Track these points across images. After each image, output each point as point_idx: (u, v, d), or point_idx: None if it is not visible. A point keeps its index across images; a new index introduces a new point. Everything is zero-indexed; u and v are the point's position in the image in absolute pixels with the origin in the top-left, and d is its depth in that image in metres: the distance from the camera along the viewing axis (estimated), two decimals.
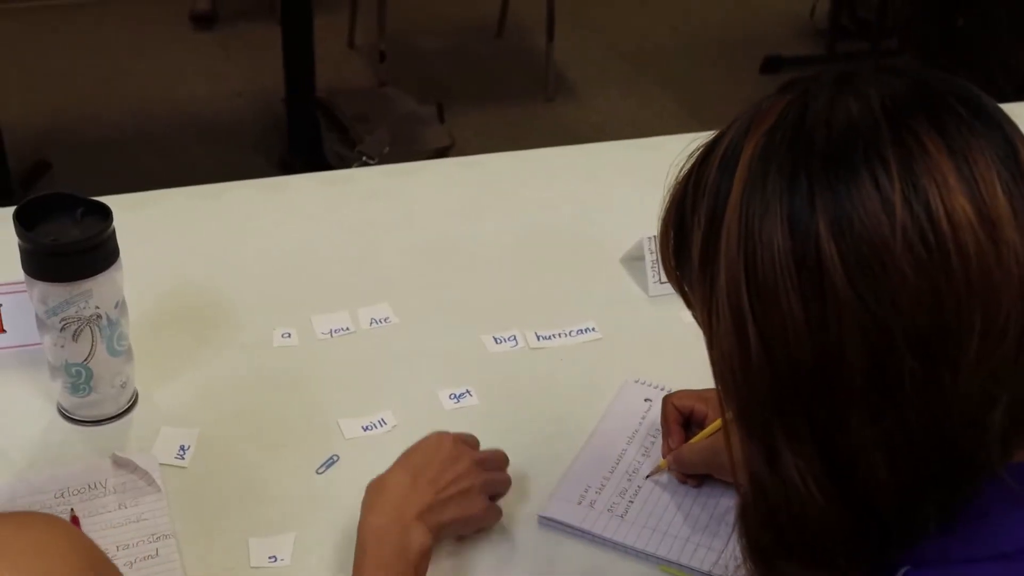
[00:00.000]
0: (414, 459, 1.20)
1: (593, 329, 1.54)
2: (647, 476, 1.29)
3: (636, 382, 1.44)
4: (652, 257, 1.61)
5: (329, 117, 3.81)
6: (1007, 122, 0.79)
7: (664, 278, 1.59)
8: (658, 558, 1.20)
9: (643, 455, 1.33)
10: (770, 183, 0.77)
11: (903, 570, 0.80)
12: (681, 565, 1.19)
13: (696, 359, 1.48)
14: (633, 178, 1.90)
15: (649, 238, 1.61)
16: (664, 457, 1.30)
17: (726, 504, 1.26)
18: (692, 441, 1.28)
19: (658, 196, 1.81)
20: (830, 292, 0.74)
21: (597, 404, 1.41)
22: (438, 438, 1.22)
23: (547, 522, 1.24)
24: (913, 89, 0.78)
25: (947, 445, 0.77)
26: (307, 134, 3.74)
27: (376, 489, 1.17)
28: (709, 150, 0.84)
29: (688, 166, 0.87)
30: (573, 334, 1.53)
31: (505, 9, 4.88)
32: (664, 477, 1.30)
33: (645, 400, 1.40)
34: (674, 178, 0.88)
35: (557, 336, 1.53)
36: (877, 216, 0.73)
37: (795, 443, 0.79)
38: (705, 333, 0.85)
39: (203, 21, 4.64)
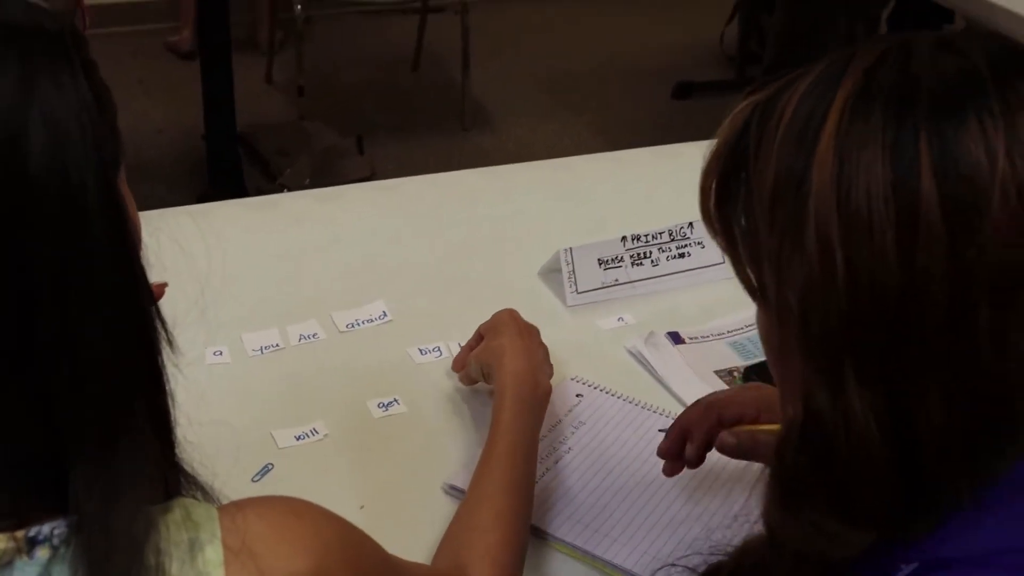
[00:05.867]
0: (511, 327, 1.44)
1: None
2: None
3: (572, 379, 1.53)
4: (568, 268, 1.68)
5: (250, 151, 3.86)
6: None
7: (580, 288, 1.68)
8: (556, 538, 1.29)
9: (560, 442, 1.42)
10: (873, 117, 0.78)
11: (901, 571, 0.82)
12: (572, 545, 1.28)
13: (612, 361, 1.57)
14: (546, 196, 1.98)
15: (565, 250, 1.68)
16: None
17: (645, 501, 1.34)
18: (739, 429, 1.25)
19: (570, 211, 1.90)
20: (923, 227, 0.75)
21: None
22: (510, 313, 1.47)
23: (453, 491, 1.34)
24: (1011, 53, 0.81)
25: (1004, 404, 0.79)
26: (228, 168, 3.79)
27: (500, 349, 1.39)
28: (777, 92, 0.84)
29: (744, 109, 0.86)
30: None
31: (420, 42, 4.96)
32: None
33: (577, 395, 1.50)
34: (723, 131, 0.87)
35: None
36: (980, 162, 0.75)
37: (863, 376, 0.80)
38: (769, 265, 0.84)
39: (185, 56, 4.75)
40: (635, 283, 1.71)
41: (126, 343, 0.78)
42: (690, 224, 1.74)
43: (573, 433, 1.43)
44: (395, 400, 1.48)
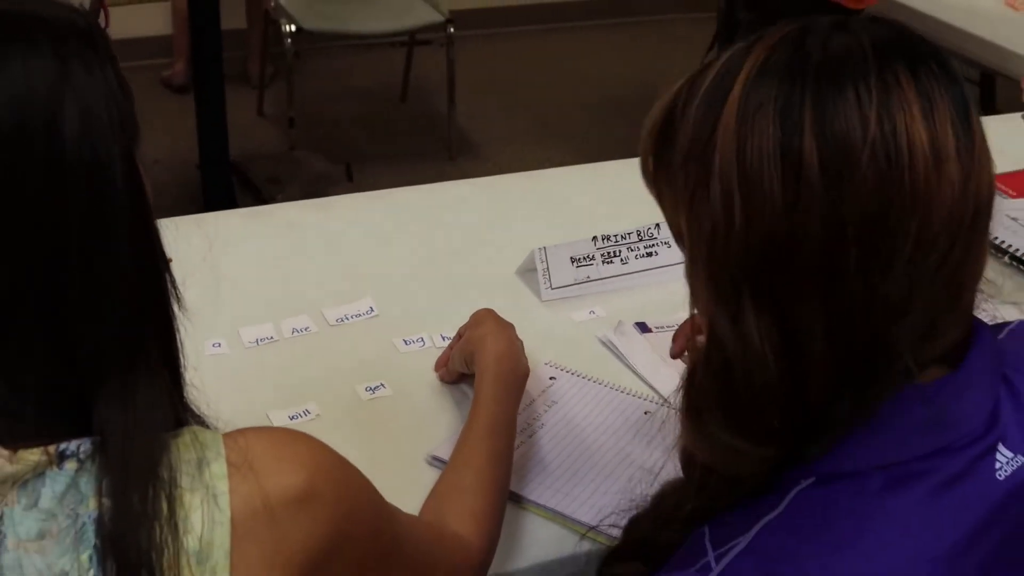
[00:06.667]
0: (491, 318, 1.54)
1: None
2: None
3: (546, 364, 1.65)
4: (543, 266, 1.80)
5: (243, 179, 3.99)
6: (963, 83, 0.94)
7: (555, 285, 1.80)
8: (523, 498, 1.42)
9: (535, 419, 1.54)
10: (767, 87, 0.91)
11: (800, 486, 0.95)
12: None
13: (584, 348, 1.69)
14: (524, 204, 2.11)
15: (539, 250, 1.81)
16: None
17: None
18: None
19: (546, 217, 2.02)
20: (804, 179, 0.88)
21: None
22: (487, 311, 1.57)
23: (436, 461, 1.46)
24: (898, 39, 0.93)
25: (871, 333, 0.91)
26: (222, 196, 3.91)
27: (482, 335, 1.50)
28: (702, 70, 0.98)
29: (677, 86, 1.00)
30: None
31: (408, 75, 5.10)
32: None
33: (550, 378, 1.62)
34: (662, 103, 1.01)
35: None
36: (854, 126, 0.88)
37: (759, 307, 0.92)
38: (683, 213, 0.97)
39: (178, 89, 4.89)
40: (605, 280, 1.84)
41: (142, 292, 0.90)
42: (657, 225, 1.86)
43: (547, 411, 1.54)
44: (381, 384, 1.60)
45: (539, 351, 1.66)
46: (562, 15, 6.09)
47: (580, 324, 1.76)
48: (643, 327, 1.72)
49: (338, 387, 1.60)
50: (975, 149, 0.92)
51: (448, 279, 1.85)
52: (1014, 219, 2.07)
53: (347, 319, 1.74)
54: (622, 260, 1.85)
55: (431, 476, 1.42)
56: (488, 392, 1.42)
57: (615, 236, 1.84)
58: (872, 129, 0.88)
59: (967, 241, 0.92)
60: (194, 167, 4.04)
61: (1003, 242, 1.99)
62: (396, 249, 1.93)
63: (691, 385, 1.01)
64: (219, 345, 1.67)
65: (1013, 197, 2.19)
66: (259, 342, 1.69)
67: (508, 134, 4.92)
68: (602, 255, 1.84)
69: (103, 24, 0.97)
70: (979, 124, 0.93)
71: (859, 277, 0.90)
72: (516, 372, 1.48)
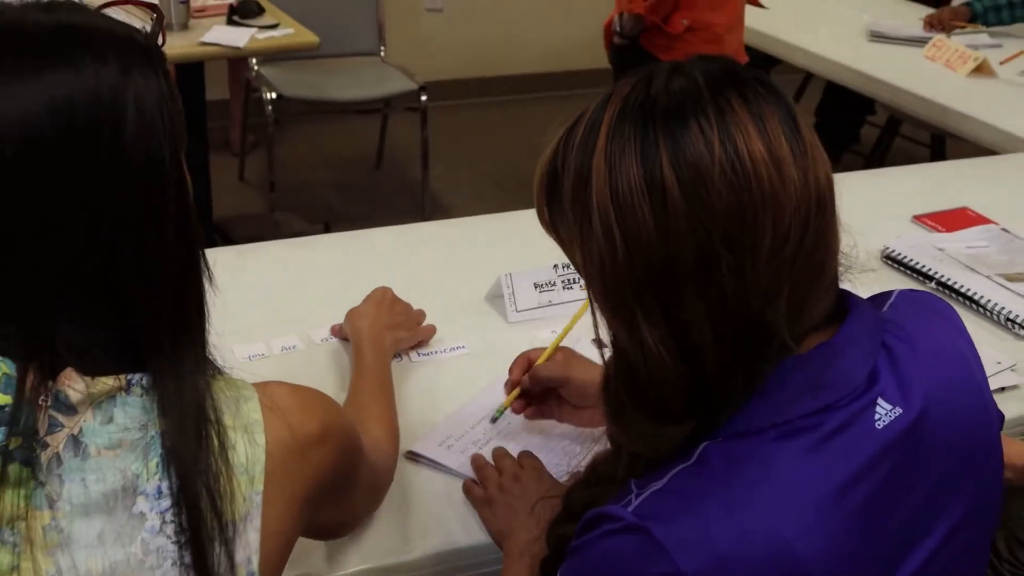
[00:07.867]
0: (372, 299, 1.85)
1: (463, 347, 1.90)
2: (492, 420, 1.69)
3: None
4: (509, 291, 1.99)
5: (225, 238, 4.17)
6: (788, 98, 1.11)
7: (519, 308, 1.98)
8: None
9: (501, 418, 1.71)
10: (626, 133, 1.07)
11: (703, 444, 1.11)
12: None
13: None
14: (492, 240, 2.29)
15: (505, 276, 1.99)
16: (507, 391, 1.69)
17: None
18: (539, 361, 1.66)
19: (511, 250, 2.20)
20: (669, 205, 1.04)
21: (469, 397, 1.77)
22: (382, 291, 1.87)
23: (413, 456, 1.64)
24: (725, 71, 1.09)
25: (749, 319, 1.06)
26: None
27: (355, 314, 1.83)
28: (573, 124, 1.14)
29: (555, 141, 1.16)
30: (447, 352, 1.90)
31: (383, 141, 5.31)
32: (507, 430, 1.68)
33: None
34: (544, 156, 1.17)
35: (434, 353, 1.89)
36: (702, 153, 1.03)
37: (649, 318, 1.07)
38: (577, 249, 1.13)
39: None
40: (566, 304, 2.02)
41: (185, 265, 1.09)
42: None
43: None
44: None
45: (505, 364, 1.83)
46: (528, 87, 6.36)
47: (543, 342, 1.93)
48: (599, 342, 1.89)
49: None
50: (807, 148, 1.09)
51: (421, 304, 2.02)
52: (940, 250, 2.27)
53: (331, 338, 1.92)
54: (581, 286, 2.03)
55: (410, 469, 1.60)
56: (367, 352, 1.72)
57: None
58: (717, 152, 1.05)
59: (817, 226, 1.09)
60: None
61: (930, 269, 2.18)
62: (374, 279, 2.10)
63: (607, 389, 1.18)
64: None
65: (941, 232, 2.39)
66: (251, 358, 1.86)
67: (479, 197, 5.12)
68: (562, 281, 2.02)
69: (160, 43, 1.14)
70: (806, 127, 1.10)
71: (731, 275, 1.05)
72: (380, 343, 1.76)
